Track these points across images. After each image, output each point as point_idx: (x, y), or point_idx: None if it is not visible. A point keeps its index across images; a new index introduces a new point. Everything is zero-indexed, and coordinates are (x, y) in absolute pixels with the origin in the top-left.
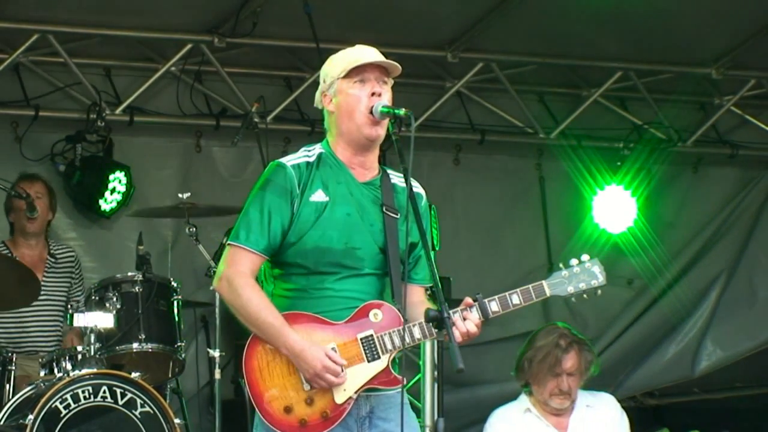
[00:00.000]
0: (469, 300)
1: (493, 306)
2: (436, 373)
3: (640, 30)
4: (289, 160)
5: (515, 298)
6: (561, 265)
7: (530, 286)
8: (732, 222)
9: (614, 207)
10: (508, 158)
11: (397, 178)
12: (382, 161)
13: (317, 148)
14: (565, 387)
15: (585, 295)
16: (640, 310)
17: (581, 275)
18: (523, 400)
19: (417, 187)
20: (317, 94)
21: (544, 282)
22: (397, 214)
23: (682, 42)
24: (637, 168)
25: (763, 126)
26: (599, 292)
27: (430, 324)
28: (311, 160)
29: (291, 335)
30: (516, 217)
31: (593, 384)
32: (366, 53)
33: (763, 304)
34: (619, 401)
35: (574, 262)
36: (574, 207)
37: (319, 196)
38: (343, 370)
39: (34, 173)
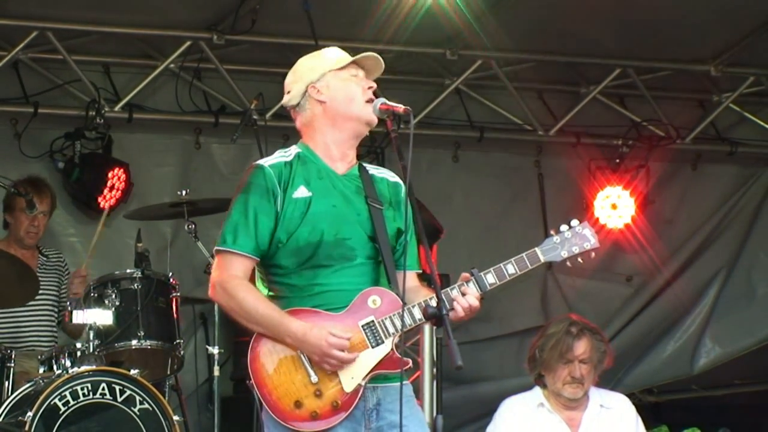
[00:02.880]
0: (465, 275)
1: (490, 278)
2: (435, 370)
3: (639, 27)
4: (267, 161)
5: (510, 268)
6: (552, 232)
7: (524, 254)
8: (731, 219)
9: (613, 204)
10: (507, 155)
11: (373, 170)
12: (381, 159)
13: (293, 149)
14: (578, 374)
15: (580, 259)
16: (639, 307)
17: (573, 239)
18: (537, 393)
19: (394, 177)
20: (295, 89)
21: (537, 249)
22: (381, 205)
23: (681, 39)
24: (636, 165)
25: (762, 123)
26: (593, 255)
27: (430, 321)
28: (289, 159)
29: (292, 322)
30: (515, 214)
31: None
32: (340, 52)
33: (762, 300)
34: None
35: (564, 227)
36: (573, 204)
37: (301, 192)
38: (347, 351)
39: (41, 179)
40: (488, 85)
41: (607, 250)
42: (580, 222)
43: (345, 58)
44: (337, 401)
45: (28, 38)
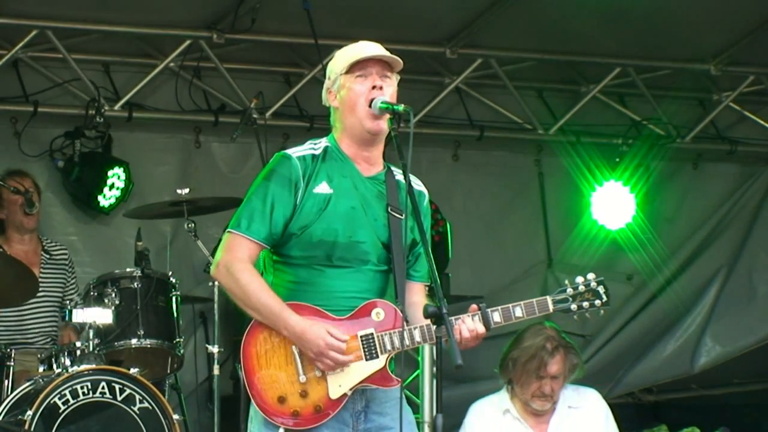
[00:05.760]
0: (474, 306)
1: (496, 317)
2: (434, 369)
3: (639, 26)
4: (295, 151)
5: (518, 311)
6: (567, 282)
7: (534, 300)
8: (731, 218)
9: (613, 203)
10: (507, 154)
11: (400, 175)
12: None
13: (323, 142)
14: (548, 390)
15: (587, 314)
16: (639, 306)
17: (586, 294)
18: (504, 398)
19: (419, 185)
20: (323, 92)
21: (548, 297)
22: (401, 215)
23: (681, 38)
24: (636, 164)
25: (762, 122)
26: (602, 312)
27: (429, 320)
28: (317, 152)
29: (291, 316)
30: (515, 213)
31: (591, 381)
32: (367, 48)
33: (763, 300)
34: (617, 398)
35: (580, 280)
36: (573, 203)
37: (323, 188)
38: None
39: (20, 169)
40: (488, 84)
41: (607, 249)
42: (596, 277)
43: (353, 58)
44: (320, 405)
45: (27, 37)
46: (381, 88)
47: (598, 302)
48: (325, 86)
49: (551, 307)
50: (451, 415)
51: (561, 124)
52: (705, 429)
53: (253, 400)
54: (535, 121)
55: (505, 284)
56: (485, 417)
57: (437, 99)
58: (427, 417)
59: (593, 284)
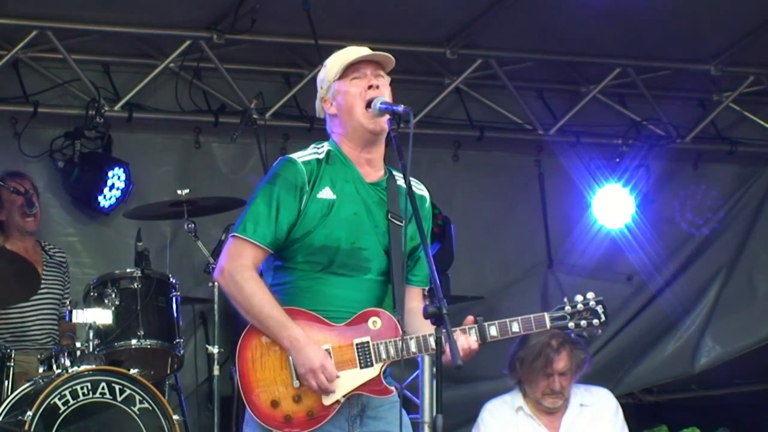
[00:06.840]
0: (470, 318)
1: (492, 331)
2: (434, 369)
3: (639, 26)
4: (300, 156)
5: (515, 326)
6: (565, 300)
7: (532, 316)
8: (731, 218)
9: (613, 203)
10: (507, 155)
11: (401, 180)
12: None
13: (326, 146)
14: (557, 387)
15: (585, 333)
16: (639, 307)
17: (584, 313)
18: (516, 397)
19: (421, 190)
20: (317, 104)
21: (546, 314)
22: (401, 222)
23: (681, 38)
24: (636, 164)
25: (762, 123)
26: (600, 331)
27: (429, 320)
28: (321, 157)
29: (295, 329)
30: (515, 213)
31: (590, 381)
32: (359, 51)
33: (763, 300)
34: (617, 398)
35: (579, 299)
36: (573, 203)
37: (326, 193)
38: (337, 376)
39: (19, 171)
40: (488, 84)
41: (606, 249)
42: (595, 296)
43: (346, 61)
44: (313, 411)
45: (27, 37)
46: (378, 87)
47: (596, 321)
48: (318, 96)
49: (548, 324)
50: (451, 415)
51: (561, 125)
52: (705, 429)
53: (247, 404)
54: (535, 121)
55: (505, 285)
56: (499, 414)
57: (437, 99)
58: (427, 417)
59: (592, 303)
